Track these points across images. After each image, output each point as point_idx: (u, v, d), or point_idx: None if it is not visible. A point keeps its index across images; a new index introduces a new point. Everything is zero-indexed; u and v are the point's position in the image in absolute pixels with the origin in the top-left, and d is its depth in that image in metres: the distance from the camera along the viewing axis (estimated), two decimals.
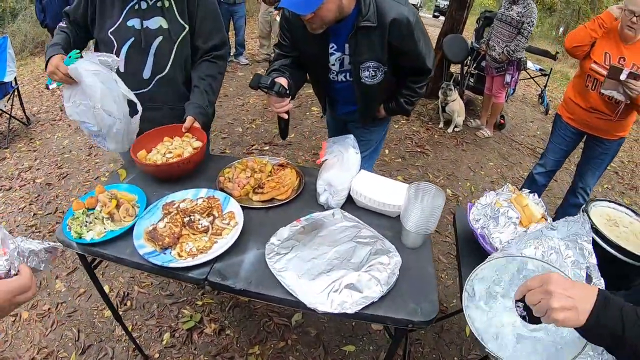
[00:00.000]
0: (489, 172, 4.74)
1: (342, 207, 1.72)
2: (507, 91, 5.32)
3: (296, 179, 1.87)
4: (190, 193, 1.72)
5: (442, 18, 14.01)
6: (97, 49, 1.93)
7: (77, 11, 1.87)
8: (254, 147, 4.67)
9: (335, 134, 2.21)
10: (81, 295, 2.68)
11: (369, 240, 1.48)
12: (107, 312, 2.50)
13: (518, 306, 0.99)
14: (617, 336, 0.84)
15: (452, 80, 6.09)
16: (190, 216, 1.58)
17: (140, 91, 1.92)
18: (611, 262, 1.38)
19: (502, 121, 5.84)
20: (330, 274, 1.33)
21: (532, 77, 7.19)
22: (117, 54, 1.83)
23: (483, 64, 5.47)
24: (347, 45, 1.86)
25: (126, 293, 2.70)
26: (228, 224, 1.57)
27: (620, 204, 1.66)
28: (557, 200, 4.32)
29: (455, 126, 5.58)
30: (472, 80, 6.08)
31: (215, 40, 2.02)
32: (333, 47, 1.89)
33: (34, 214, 3.43)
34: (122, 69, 1.86)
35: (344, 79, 2.02)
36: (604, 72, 2.67)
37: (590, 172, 3.25)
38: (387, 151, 4.89)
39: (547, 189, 4.44)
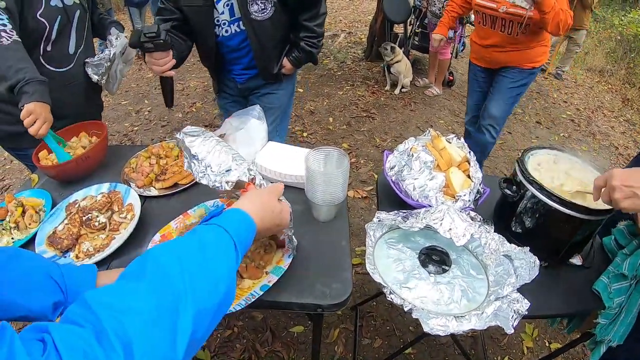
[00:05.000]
0: (440, 130, 4.65)
1: None
2: (453, 47, 5.23)
3: None
4: (93, 189, 1.58)
5: None
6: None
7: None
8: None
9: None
10: None
11: None
12: None
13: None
14: None
15: (397, 41, 5.96)
16: (89, 214, 1.45)
17: (66, 68, 1.91)
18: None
19: (450, 78, 5.75)
20: None
21: None
22: (50, 34, 1.77)
23: (426, 21, 5.33)
24: None
25: None
26: (125, 218, 1.46)
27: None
28: (512, 152, 4.31)
29: (403, 87, 5.46)
30: (417, 39, 5.93)
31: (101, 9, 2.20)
32: None
33: None
34: (49, 48, 1.81)
35: (237, 29, 1.92)
36: (489, 5, 2.69)
37: (494, 101, 3.13)
38: (331, 119, 4.77)
39: (501, 141, 4.43)
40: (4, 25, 1.54)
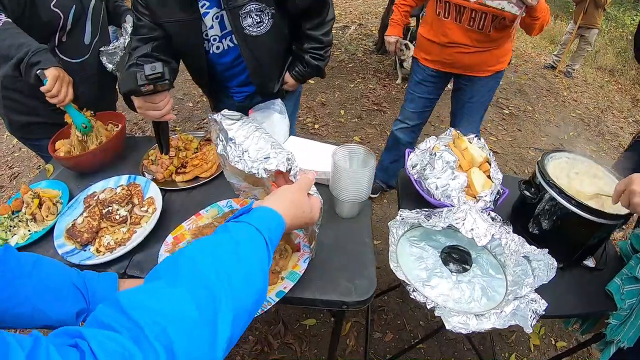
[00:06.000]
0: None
1: None
2: None
3: None
4: (111, 181, 1.57)
5: None
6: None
7: None
8: (204, 120, 4.44)
9: None
10: None
11: None
12: None
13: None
14: None
15: (409, 34, 5.91)
16: (109, 207, 1.44)
17: (82, 59, 1.90)
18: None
19: None
20: None
21: None
22: (65, 24, 1.74)
23: None
24: None
25: None
26: (147, 211, 1.45)
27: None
28: (521, 150, 4.28)
29: None
30: None
31: None
32: (204, 4, 1.53)
33: None
34: (64, 39, 1.79)
35: (230, 44, 1.66)
36: None
37: (466, 120, 2.71)
38: (342, 112, 4.76)
39: (510, 139, 4.41)
40: None
